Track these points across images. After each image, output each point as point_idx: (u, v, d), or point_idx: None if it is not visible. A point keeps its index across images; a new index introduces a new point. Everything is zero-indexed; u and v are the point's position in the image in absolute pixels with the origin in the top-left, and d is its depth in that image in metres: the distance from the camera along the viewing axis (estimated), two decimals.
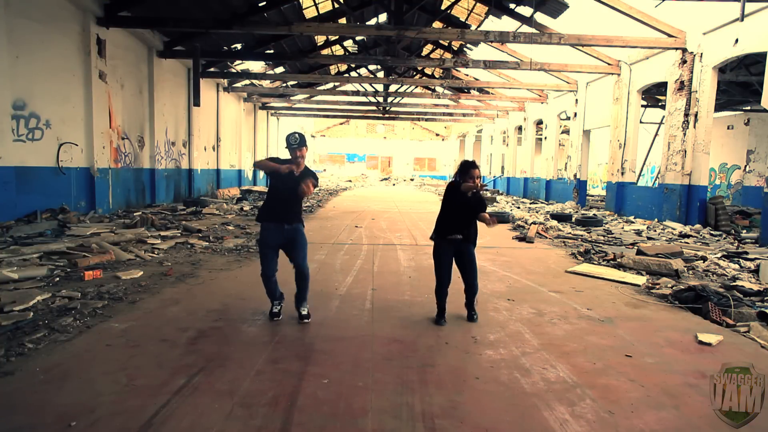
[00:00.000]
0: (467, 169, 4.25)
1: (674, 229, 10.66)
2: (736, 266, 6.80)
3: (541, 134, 22.16)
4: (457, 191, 4.20)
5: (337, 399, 2.79)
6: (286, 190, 3.97)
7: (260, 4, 12.78)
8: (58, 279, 5.20)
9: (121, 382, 2.90)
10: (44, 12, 8.66)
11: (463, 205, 4.17)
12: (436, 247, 4.31)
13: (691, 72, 11.20)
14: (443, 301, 4.28)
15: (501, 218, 11.59)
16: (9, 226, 7.36)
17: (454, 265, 4.29)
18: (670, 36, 11.30)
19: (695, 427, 2.61)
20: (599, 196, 21.38)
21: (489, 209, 4.45)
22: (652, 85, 13.48)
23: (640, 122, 14.97)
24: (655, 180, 15.50)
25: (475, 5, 15.93)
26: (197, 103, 13.22)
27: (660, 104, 16.77)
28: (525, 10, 13.61)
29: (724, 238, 9.63)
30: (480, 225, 4.26)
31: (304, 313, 4.14)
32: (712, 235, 10.02)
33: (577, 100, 17.72)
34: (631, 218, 13.09)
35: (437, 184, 33.48)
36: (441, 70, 22.20)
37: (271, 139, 28.24)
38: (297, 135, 3.99)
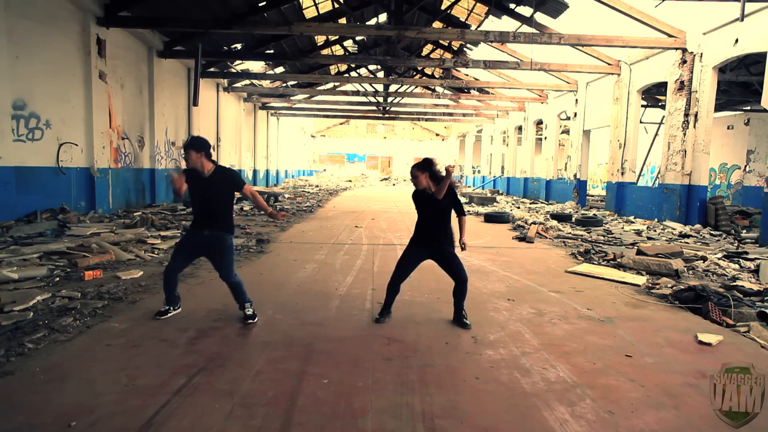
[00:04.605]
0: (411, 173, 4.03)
1: (674, 229, 10.66)
2: (736, 266, 6.80)
3: (541, 134, 22.17)
4: (420, 193, 4.06)
5: (337, 399, 2.79)
6: (200, 195, 3.87)
7: (260, 4, 12.78)
8: (58, 279, 5.20)
9: (121, 382, 2.90)
10: (44, 12, 8.66)
11: (432, 208, 4.02)
12: (406, 252, 4.18)
13: (691, 72, 11.21)
14: (392, 297, 4.20)
15: (501, 218, 11.61)
16: (9, 226, 7.36)
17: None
18: (670, 36, 11.30)
19: (695, 427, 2.61)
20: (599, 196, 21.38)
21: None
22: (652, 85, 13.48)
23: (640, 122, 14.97)
24: (655, 180, 15.50)
25: (475, 5, 15.93)
26: (197, 103, 13.22)
27: (660, 104, 16.77)
28: (525, 10, 13.61)
29: (724, 238, 9.63)
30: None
31: (249, 313, 4.00)
32: (712, 235, 10.02)
33: (577, 100, 17.72)
34: (631, 218, 13.09)
35: None
36: (441, 70, 22.20)
37: (271, 139, 28.24)
38: (189, 138, 3.91)
